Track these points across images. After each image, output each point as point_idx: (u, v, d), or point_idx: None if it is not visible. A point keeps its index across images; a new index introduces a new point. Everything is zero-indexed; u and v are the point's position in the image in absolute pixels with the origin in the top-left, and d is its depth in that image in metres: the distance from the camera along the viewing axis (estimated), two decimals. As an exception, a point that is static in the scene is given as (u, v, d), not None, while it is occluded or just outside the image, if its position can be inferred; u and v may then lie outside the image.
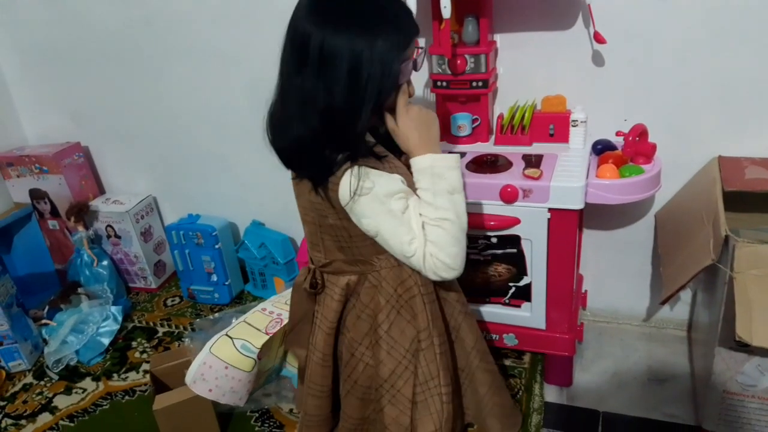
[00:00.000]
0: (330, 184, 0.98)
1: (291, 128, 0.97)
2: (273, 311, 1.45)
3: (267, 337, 1.37)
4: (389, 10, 0.95)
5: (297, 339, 1.25)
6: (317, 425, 1.26)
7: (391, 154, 1.07)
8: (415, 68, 1.02)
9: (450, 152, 1.54)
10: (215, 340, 1.41)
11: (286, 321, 1.38)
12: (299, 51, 0.92)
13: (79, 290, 2.14)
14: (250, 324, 1.43)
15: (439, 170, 1.01)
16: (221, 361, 1.36)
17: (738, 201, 1.35)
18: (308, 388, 1.22)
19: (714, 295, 1.34)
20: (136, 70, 2.05)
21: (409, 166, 1.05)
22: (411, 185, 1.03)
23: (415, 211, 1.01)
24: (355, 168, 0.96)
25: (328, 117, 0.93)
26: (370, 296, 1.10)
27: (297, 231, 2.11)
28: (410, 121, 1.01)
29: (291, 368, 1.55)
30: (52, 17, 2.05)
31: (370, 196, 0.97)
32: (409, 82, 1.02)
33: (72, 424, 1.70)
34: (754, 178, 1.39)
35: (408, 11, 0.98)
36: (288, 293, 1.34)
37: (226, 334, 1.41)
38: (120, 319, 2.09)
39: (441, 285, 1.17)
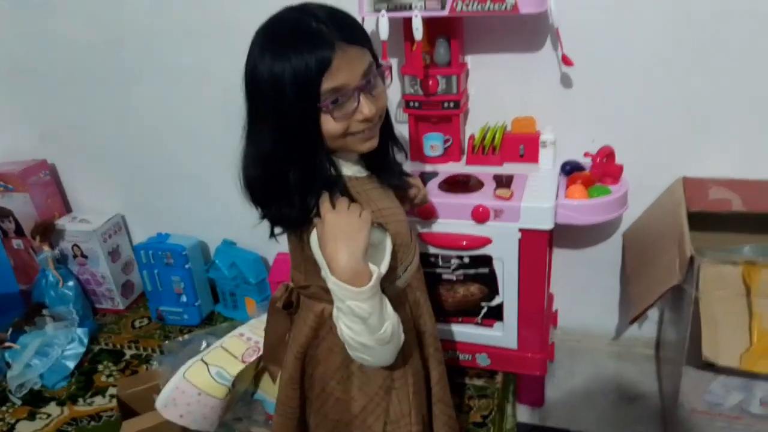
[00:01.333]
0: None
1: (247, 172, 0.93)
2: (251, 337, 1.43)
3: (243, 366, 1.35)
4: (309, 26, 0.85)
5: (274, 357, 1.23)
6: None
7: (374, 175, 1.03)
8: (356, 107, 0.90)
9: (422, 172, 1.56)
10: (190, 364, 1.38)
11: (262, 351, 1.36)
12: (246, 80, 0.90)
13: (44, 312, 2.08)
14: (226, 349, 1.40)
15: (341, 297, 0.87)
16: (194, 387, 1.33)
17: (703, 221, 1.38)
18: (276, 407, 1.19)
19: (680, 314, 1.37)
20: (106, 87, 2.02)
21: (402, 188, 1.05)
22: (391, 216, 1.00)
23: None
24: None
25: (268, 160, 0.89)
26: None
27: (268, 250, 2.10)
28: (326, 227, 0.88)
29: (262, 393, 1.53)
30: (20, 34, 2.01)
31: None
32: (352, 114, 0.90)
33: (34, 452, 1.65)
34: (718, 198, 1.43)
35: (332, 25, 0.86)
36: (265, 317, 1.33)
37: (201, 359, 1.38)
38: (86, 341, 2.03)
39: (420, 316, 1.16)
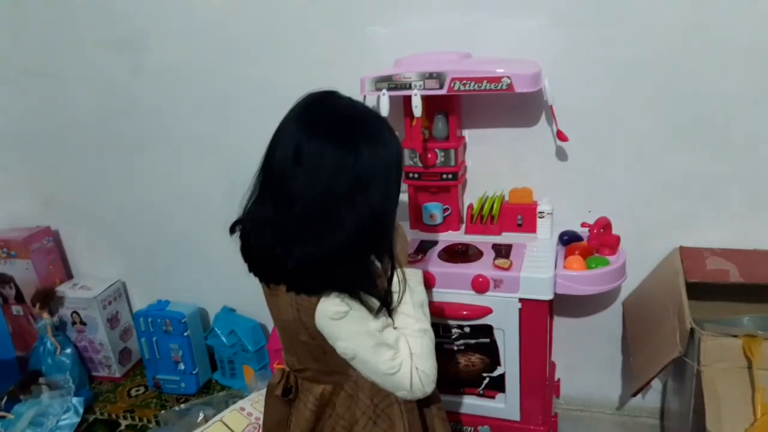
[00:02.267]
0: (305, 302, 0.96)
1: (326, 240, 0.92)
2: (251, 413, 1.42)
3: None
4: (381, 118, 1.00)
5: None
6: None
7: None
8: None
9: (421, 241, 1.58)
10: None
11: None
12: (336, 172, 0.90)
13: (40, 380, 2.05)
14: (226, 425, 1.39)
15: (411, 284, 1.03)
16: None
17: (701, 290, 1.40)
18: None
19: (683, 385, 1.36)
20: (110, 156, 2.07)
21: None
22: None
23: (390, 327, 1.01)
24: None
25: (367, 226, 0.92)
26: (346, 407, 1.07)
27: (268, 317, 2.06)
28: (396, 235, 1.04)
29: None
30: (28, 102, 2.07)
31: (347, 319, 0.95)
32: None
33: None
34: (715, 269, 1.45)
35: None
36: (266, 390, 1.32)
37: None
38: (81, 411, 2.00)
39: None
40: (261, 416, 1.35)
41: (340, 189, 0.90)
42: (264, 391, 1.36)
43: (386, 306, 1.00)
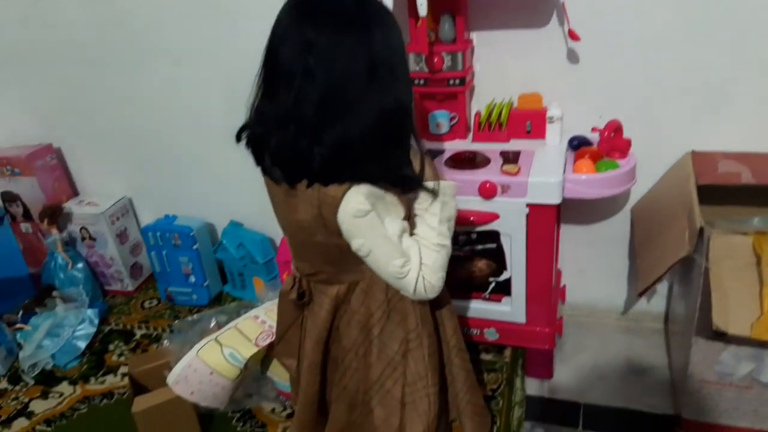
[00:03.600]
0: (330, 197, 0.95)
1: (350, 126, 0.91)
2: (265, 321, 1.43)
3: (256, 349, 1.36)
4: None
5: (286, 349, 1.23)
6: (307, 430, 1.25)
7: None
8: None
9: (427, 150, 1.56)
10: (203, 343, 1.39)
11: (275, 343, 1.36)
12: (352, 56, 0.90)
13: (54, 294, 2.10)
14: (240, 331, 1.41)
15: (446, 198, 1.02)
16: (207, 366, 1.34)
17: (712, 195, 1.38)
18: (299, 394, 1.21)
19: (690, 286, 1.37)
20: (108, 70, 2.02)
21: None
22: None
23: (407, 234, 1.01)
24: (365, 186, 0.94)
25: (390, 105, 0.93)
26: (360, 302, 1.09)
27: (276, 230, 2.08)
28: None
29: (272, 375, 1.54)
30: (20, 17, 2.01)
31: (368, 218, 0.94)
32: None
33: (49, 429, 1.67)
34: (727, 172, 1.42)
35: None
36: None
37: (215, 339, 1.39)
38: (96, 322, 2.05)
39: None
40: (274, 324, 1.38)
41: (358, 72, 0.89)
42: (276, 301, 1.38)
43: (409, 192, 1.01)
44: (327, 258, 1.06)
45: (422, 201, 1.02)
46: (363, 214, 0.94)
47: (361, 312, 1.10)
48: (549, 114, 1.52)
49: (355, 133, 0.91)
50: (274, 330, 1.36)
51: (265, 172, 1.03)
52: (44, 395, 1.81)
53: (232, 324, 1.47)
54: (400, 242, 0.99)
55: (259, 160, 1.03)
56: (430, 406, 1.14)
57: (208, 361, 1.35)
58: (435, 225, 1.02)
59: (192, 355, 1.37)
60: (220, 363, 1.34)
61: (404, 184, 0.99)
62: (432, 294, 1.04)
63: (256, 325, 1.43)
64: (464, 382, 1.27)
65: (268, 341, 1.37)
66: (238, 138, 1.03)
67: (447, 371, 1.27)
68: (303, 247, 1.09)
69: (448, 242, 1.04)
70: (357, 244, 0.98)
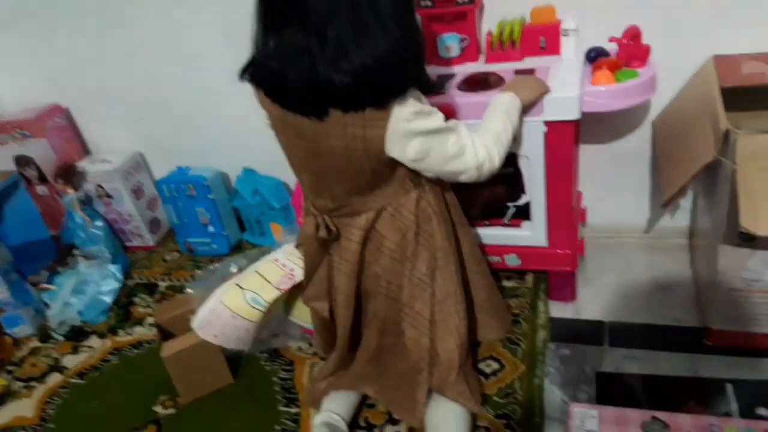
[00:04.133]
0: (375, 115, 0.96)
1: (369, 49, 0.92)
2: (285, 264, 1.42)
3: (278, 293, 1.36)
4: None
5: (316, 292, 1.23)
6: (340, 360, 1.27)
7: None
8: None
9: (438, 76, 1.51)
10: (226, 289, 1.39)
11: (297, 278, 1.36)
12: None
13: (75, 252, 2.12)
14: (261, 275, 1.41)
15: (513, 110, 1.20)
16: (229, 311, 1.35)
17: (736, 99, 1.32)
18: (337, 329, 1.22)
19: (715, 195, 1.33)
20: (105, 23, 1.97)
21: None
22: None
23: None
24: (408, 93, 0.97)
25: (403, 24, 0.95)
26: (389, 227, 1.10)
27: (289, 174, 2.04)
28: None
29: (294, 318, 1.55)
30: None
31: (420, 118, 1.00)
32: None
33: (83, 382, 1.71)
34: (751, 73, 1.36)
35: None
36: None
37: (237, 284, 1.40)
38: (120, 277, 2.07)
39: (445, 198, 1.17)
40: (295, 267, 1.38)
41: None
42: (293, 244, 1.37)
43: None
44: (355, 186, 1.06)
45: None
46: (415, 116, 0.98)
47: (390, 238, 1.10)
48: (563, 27, 1.45)
49: (376, 58, 0.91)
50: (294, 272, 1.36)
51: (286, 105, 1.00)
52: (75, 350, 1.84)
53: (252, 268, 1.47)
54: (447, 124, 1.05)
55: (275, 96, 0.99)
56: (460, 321, 1.15)
57: (231, 306, 1.36)
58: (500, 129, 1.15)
59: (215, 301, 1.38)
60: (243, 307, 1.35)
61: (430, 89, 1.08)
62: (497, 162, 1.13)
63: (277, 268, 1.43)
64: (484, 287, 1.28)
65: (289, 285, 1.37)
66: (242, 75, 1.01)
67: (468, 283, 1.27)
68: (326, 180, 1.07)
69: (507, 132, 1.18)
70: (415, 148, 1.01)
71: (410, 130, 0.99)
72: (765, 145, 1.14)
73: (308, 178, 1.12)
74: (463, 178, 1.12)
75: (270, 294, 1.36)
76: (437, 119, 1.04)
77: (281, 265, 1.43)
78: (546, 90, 1.29)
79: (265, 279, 1.41)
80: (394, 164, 1.06)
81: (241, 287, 1.39)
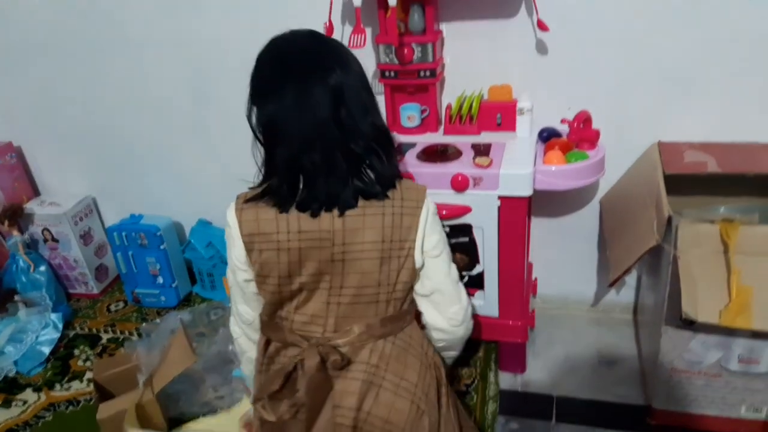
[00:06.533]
0: (411, 201, 0.99)
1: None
2: None
3: None
4: None
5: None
6: None
7: None
8: None
9: (399, 143, 1.54)
10: None
11: None
12: (327, 93, 0.93)
13: (16, 298, 2.03)
14: None
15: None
16: None
17: (679, 185, 1.39)
18: None
19: (659, 276, 1.38)
20: (68, 64, 1.95)
21: None
22: None
23: None
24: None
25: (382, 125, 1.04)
26: (403, 363, 0.99)
27: (246, 228, 2.06)
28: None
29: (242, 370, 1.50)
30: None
31: (437, 217, 1.05)
32: None
33: (11, 439, 1.61)
34: (693, 161, 1.44)
35: None
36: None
37: None
38: (60, 326, 1.99)
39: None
40: None
41: (366, 96, 1.01)
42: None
43: None
44: (370, 304, 0.99)
45: None
46: (436, 211, 1.04)
47: (406, 377, 0.99)
48: (519, 106, 1.51)
49: (387, 140, 1.02)
50: None
51: (309, 210, 0.96)
52: (7, 403, 1.74)
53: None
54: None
55: (308, 205, 0.96)
56: None
57: None
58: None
59: None
60: None
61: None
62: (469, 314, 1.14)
63: None
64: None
65: None
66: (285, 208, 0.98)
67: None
68: (326, 302, 0.99)
69: None
70: (434, 240, 1.02)
71: (434, 221, 1.04)
72: (705, 233, 1.19)
73: (306, 299, 1.01)
74: (453, 309, 1.10)
75: None
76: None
77: None
78: None
79: None
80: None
81: None
